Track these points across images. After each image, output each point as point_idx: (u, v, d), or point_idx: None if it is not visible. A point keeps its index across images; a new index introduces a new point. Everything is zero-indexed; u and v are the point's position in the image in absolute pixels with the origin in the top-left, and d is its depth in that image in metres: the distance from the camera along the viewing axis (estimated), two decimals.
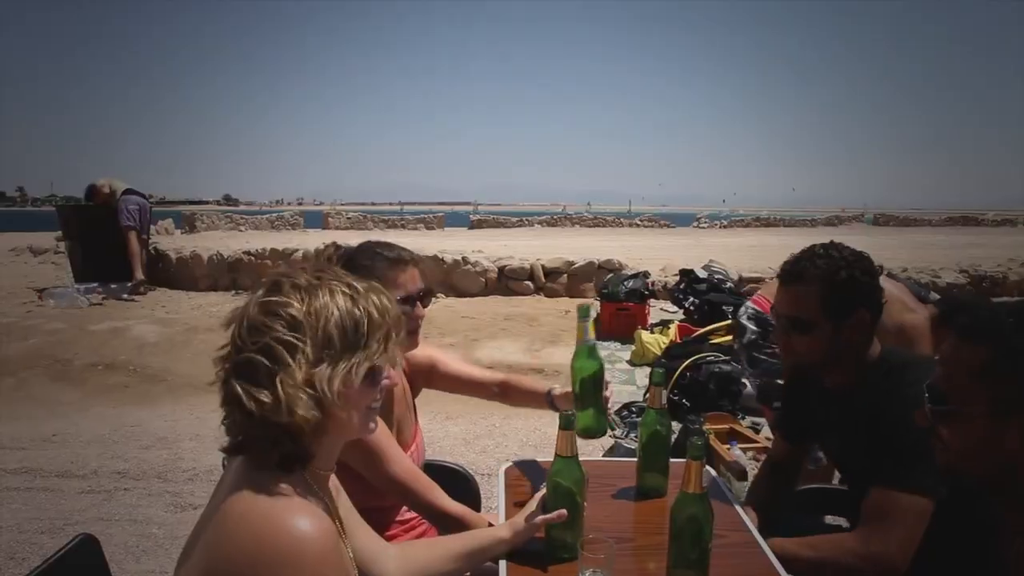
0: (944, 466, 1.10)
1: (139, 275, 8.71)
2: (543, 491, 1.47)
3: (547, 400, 1.88)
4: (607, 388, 1.72)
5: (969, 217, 36.49)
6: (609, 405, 1.74)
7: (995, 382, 1.00)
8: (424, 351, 2.00)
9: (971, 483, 1.11)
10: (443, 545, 1.45)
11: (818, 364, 1.68)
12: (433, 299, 1.82)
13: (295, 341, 0.98)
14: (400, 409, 1.86)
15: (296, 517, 0.95)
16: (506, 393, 2.02)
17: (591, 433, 1.66)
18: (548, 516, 1.40)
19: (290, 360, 0.98)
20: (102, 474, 3.96)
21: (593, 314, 1.67)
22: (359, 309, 1.04)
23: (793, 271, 1.64)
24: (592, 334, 1.67)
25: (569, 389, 1.75)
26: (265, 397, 0.96)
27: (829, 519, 2.26)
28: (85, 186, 8.95)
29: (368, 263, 1.68)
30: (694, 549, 1.30)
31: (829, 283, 1.57)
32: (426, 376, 2.01)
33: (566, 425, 1.40)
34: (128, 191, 8.69)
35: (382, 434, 1.60)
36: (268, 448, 0.99)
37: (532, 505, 1.47)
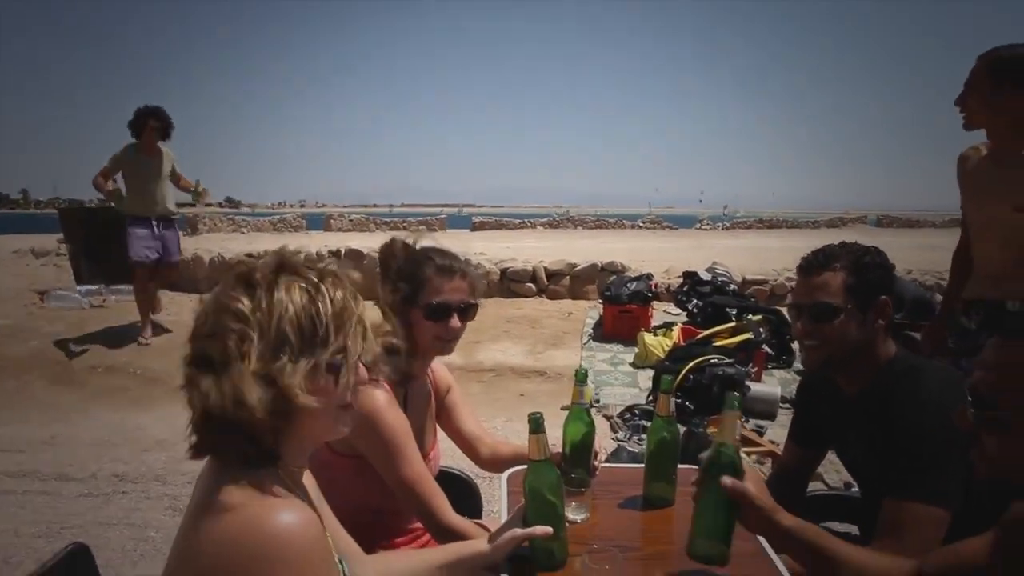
0: (983, 474, 1.05)
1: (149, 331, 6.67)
2: (523, 503, 1.43)
3: None
4: (596, 457, 1.75)
5: None
6: (599, 467, 1.78)
7: None
8: (447, 375, 2.00)
9: (1006, 492, 1.05)
10: (422, 557, 1.41)
11: (843, 356, 1.64)
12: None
13: (244, 335, 0.95)
14: (423, 414, 1.85)
15: (276, 512, 0.92)
16: (495, 460, 1.98)
17: (574, 485, 1.61)
18: (530, 531, 1.37)
19: (238, 354, 0.95)
20: (100, 477, 3.93)
21: (590, 379, 1.71)
22: (317, 305, 0.99)
23: (817, 260, 1.64)
24: (588, 397, 1.72)
25: (559, 449, 1.75)
26: (212, 390, 0.94)
27: (838, 526, 2.22)
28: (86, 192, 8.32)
29: (418, 264, 1.71)
30: (723, 502, 1.30)
31: (855, 268, 1.58)
32: (440, 401, 1.98)
33: (535, 429, 1.37)
34: (136, 219, 6.23)
35: (403, 432, 1.59)
36: (229, 447, 0.97)
37: (514, 518, 1.43)
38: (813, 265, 1.64)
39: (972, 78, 2.42)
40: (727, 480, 1.26)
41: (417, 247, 1.78)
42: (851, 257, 1.60)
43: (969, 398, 1.03)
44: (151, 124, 6.18)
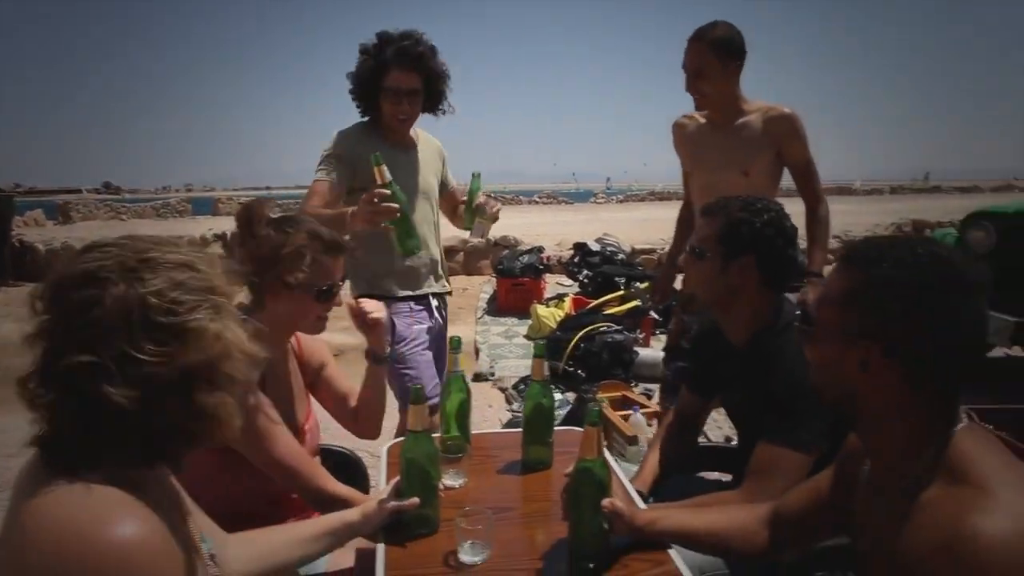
0: (814, 381, 1.13)
1: None
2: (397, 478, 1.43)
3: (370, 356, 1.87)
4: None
5: (844, 188, 38.63)
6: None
7: (853, 309, 1.01)
8: (321, 351, 1.91)
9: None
10: (286, 531, 1.38)
11: (705, 299, 1.75)
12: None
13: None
14: (286, 387, 1.76)
15: (114, 524, 0.82)
16: (361, 407, 1.93)
17: (452, 451, 1.62)
18: (400, 504, 1.37)
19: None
20: None
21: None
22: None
23: (707, 206, 1.75)
24: (462, 365, 1.77)
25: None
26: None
27: (714, 476, 2.34)
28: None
29: (300, 237, 1.56)
30: (596, 516, 1.29)
31: (727, 218, 1.66)
32: (315, 374, 1.89)
33: (416, 399, 1.38)
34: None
35: (265, 415, 1.53)
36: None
37: (387, 490, 1.43)
38: (704, 209, 1.76)
39: (699, 61, 2.55)
40: (606, 502, 1.29)
41: (282, 217, 1.61)
42: (730, 208, 1.67)
43: (798, 311, 1.15)
44: (398, 79, 2.47)
